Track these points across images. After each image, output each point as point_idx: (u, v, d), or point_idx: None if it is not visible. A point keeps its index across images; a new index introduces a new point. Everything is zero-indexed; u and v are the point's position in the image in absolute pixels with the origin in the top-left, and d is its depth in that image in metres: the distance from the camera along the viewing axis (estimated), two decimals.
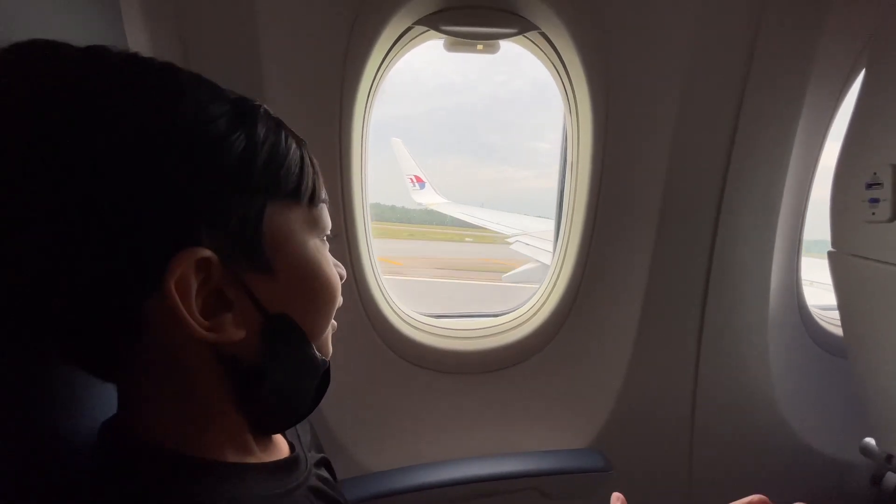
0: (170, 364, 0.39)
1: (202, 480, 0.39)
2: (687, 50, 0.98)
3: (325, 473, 0.56)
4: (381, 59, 1.00)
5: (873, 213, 0.83)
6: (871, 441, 1.05)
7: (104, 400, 0.44)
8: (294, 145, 0.43)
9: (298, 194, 0.43)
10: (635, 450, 1.14)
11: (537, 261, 6.14)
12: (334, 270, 0.47)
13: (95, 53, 0.36)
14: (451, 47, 1.04)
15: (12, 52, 0.34)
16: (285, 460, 0.48)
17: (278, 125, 0.43)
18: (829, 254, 0.94)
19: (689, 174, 1.05)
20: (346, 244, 1.02)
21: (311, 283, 0.44)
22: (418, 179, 9.97)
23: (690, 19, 0.96)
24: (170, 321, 0.36)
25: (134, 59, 0.37)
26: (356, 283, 1.05)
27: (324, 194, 0.47)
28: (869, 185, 0.83)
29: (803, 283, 1.24)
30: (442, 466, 1.05)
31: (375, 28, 0.92)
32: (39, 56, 0.34)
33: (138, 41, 0.72)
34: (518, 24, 1.00)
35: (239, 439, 0.44)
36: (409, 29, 0.99)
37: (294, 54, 0.89)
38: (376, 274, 1.13)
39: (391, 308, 1.14)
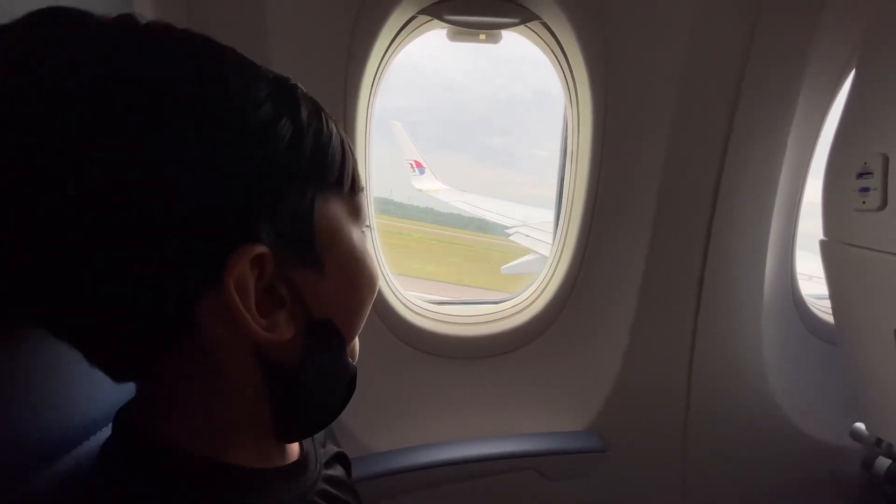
0: (211, 367, 0.37)
1: (215, 486, 0.38)
2: (686, 41, 0.99)
3: (337, 472, 0.53)
4: (384, 49, 1.02)
5: (864, 202, 0.85)
6: (861, 426, 1.08)
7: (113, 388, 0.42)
8: (335, 129, 0.40)
9: (342, 182, 0.40)
10: (631, 432, 1.16)
11: (537, 252, 6.13)
12: (376, 264, 0.44)
13: (129, 26, 0.32)
14: (453, 37, 1.06)
15: (31, 22, 0.30)
16: (295, 464, 0.45)
17: (317, 107, 0.39)
18: (821, 242, 0.96)
19: (686, 164, 1.07)
20: None
21: (358, 279, 0.42)
22: (418, 164, 9.86)
23: (689, 11, 0.97)
24: (221, 322, 0.34)
25: (172, 32, 0.34)
26: None
27: (362, 181, 0.44)
28: (859, 175, 0.85)
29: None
30: (442, 447, 1.08)
31: (379, 18, 0.93)
32: (65, 28, 0.30)
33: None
34: (520, 13, 1.01)
35: (261, 444, 0.42)
36: (412, 18, 1.01)
37: (299, 44, 0.90)
38: (379, 260, 1.15)
39: (394, 294, 1.17)
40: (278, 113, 0.35)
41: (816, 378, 1.25)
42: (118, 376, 0.38)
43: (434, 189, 9.57)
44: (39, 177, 0.29)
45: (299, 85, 0.39)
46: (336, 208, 0.40)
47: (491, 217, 7.75)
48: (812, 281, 1.38)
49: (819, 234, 0.97)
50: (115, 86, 0.30)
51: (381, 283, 1.12)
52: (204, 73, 0.33)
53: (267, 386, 0.39)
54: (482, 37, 1.06)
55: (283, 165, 0.35)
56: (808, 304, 1.27)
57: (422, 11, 0.99)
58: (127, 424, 0.39)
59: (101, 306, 0.32)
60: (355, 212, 0.42)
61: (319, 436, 0.55)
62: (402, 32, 1.03)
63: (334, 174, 0.39)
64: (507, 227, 6.97)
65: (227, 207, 0.33)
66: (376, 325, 1.12)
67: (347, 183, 0.41)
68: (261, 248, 0.34)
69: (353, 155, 0.42)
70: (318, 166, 0.38)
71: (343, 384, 0.43)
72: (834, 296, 0.99)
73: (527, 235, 6.45)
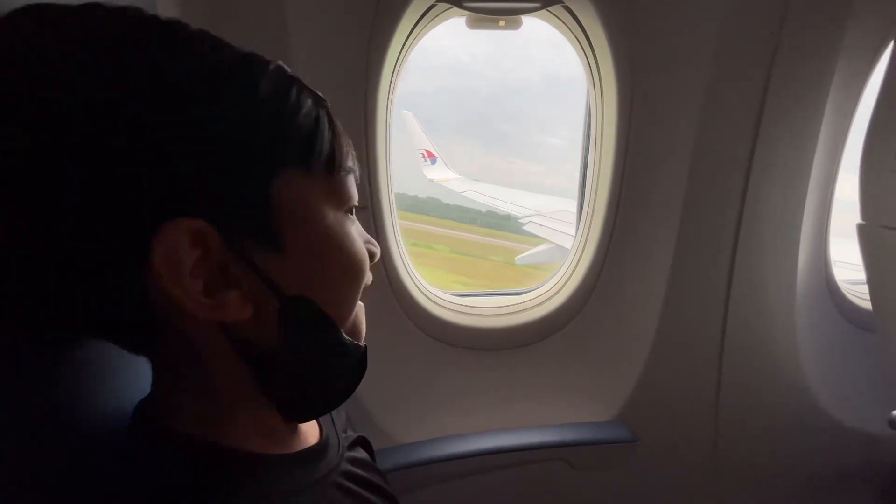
0: (184, 346, 0.37)
1: (222, 471, 0.38)
2: (715, 23, 0.96)
3: (360, 454, 0.54)
4: (404, 38, 1.00)
5: None
6: None
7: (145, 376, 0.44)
8: (309, 104, 0.38)
9: (310, 159, 0.38)
10: (661, 422, 1.15)
11: (551, 242, 6.07)
12: (360, 246, 0.42)
13: (84, 10, 0.33)
14: (473, 24, 1.03)
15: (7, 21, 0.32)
16: (314, 448, 0.46)
17: (291, 81, 0.38)
18: (859, 226, 0.93)
19: (716, 150, 1.04)
20: (371, 219, 1.04)
21: (331, 259, 0.40)
22: (430, 154, 9.80)
23: None
24: (174, 300, 0.33)
25: (130, 12, 0.34)
26: (382, 258, 1.07)
27: (349, 162, 0.42)
28: None
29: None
30: (470, 438, 1.08)
31: (399, 6, 0.92)
32: (26, 21, 0.32)
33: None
34: None
35: (265, 428, 0.42)
36: (432, 6, 0.99)
37: (320, 35, 0.90)
38: (401, 250, 1.14)
39: (416, 286, 1.16)
40: (230, 84, 0.34)
41: (852, 365, 1.22)
42: (128, 348, 0.39)
43: (445, 178, 9.52)
44: None
45: (280, 63, 0.38)
46: (303, 187, 0.38)
47: (503, 206, 7.69)
48: (836, 266, 1.34)
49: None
50: (59, 57, 0.31)
51: (403, 275, 1.11)
52: (147, 46, 0.32)
53: (248, 367, 0.39)
54: (502, 23, 1.04)
55: (227, 137, 0.34)
56: (843, 290, 1.24)
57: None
58: (139, 412, 0.41)
59: (48, 274, 0.32)
60: (333, 192, 0.40)
61: (340, 422, 0.55)
62: (422, 21, 1.01)
63: (300, 150, 0.37)
64: (521, 217, 6.91)
65: (153, 178, 0.31)
66: (400, 318, 1.12)
67: (320, 162, 0.39)
68: (197, 223, 0.32)
69: (335, 134, 0.40)
70: (277, 140, 0.36)
71: (342, 363, 0.43)
72: (872, 281, 0.96)
73: (540, 225, 6.38)
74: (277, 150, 0.36)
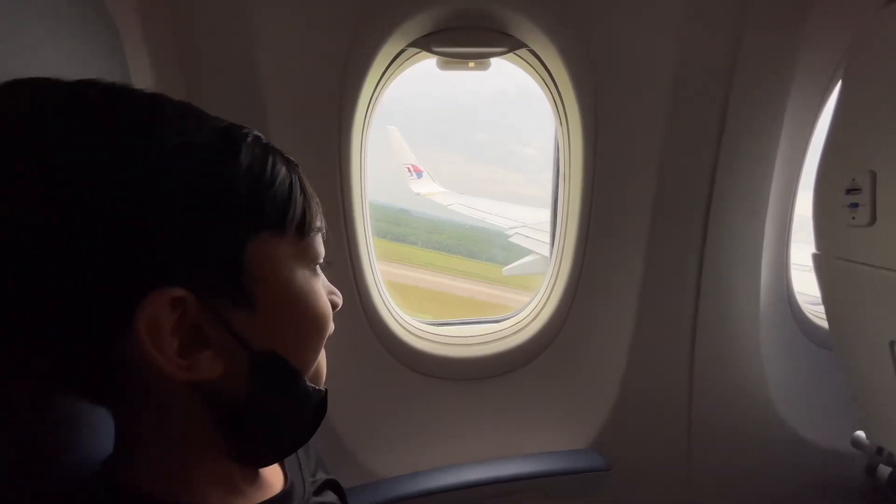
0: (151, 401, 0.38)
1: None
2: (672, 60, 1.01)
3: (328, 498, 0.55)
4: (376, 82, 1.03)
5: (853, 218, 0.86)
6: (861, 434, 1.09)
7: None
8: (283, 172, 0.41)
9: (283, 224, 0.40)
10: (635, 448, 1.18)
11: (537, 253, 6.11)
12: (324, 301, 0.45)
13: (77, 87, 0.35)
14: (443, 66, 1.07)
15: None
16: (276, 497, 0.47)
17: (266, 152, 0.40)
18: (814, 256, 0.97)
19: (678, 178, 1.08)
20: (347, 254, 1.06)
21: (298, 316, 0.42)
22: (416, 169, 9.83)
23: (674, 32, 0.98)
24: (146, 359, 0.35)
25: (118, 90, 0.36)
26: (358, 293, 1.08)
27: (318, 222, 0.44)
28: (848, 191, 0.86)
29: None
30: (447, 471, 1.09)
31: (370, 52, 0.95)
32: (20, 93, 0.34)
33: (142, 78, 0.76)
34: (507, 42, 1.02)
35: (225, 479, 0.43)
36: (402, 51, 1.02)
37: (293, 80, 0.92)
38: (378, 284, 1.16)
39: (393, 317, 1.18)
40: (212, 159, 0.37)
41: (817, 384, 1.26)
42: (95, 402, 0.40)
43: (432, 192, 9.52)
44: None
45: (254, 132, 0.41)
46: (275, 249, 0.40)
47: (490, 219, 7.71)
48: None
49: None
50: (47, 139, 0.32)
51: (380, 307, 1.13)
52: (134, 125, 0.34)
53: (214, 418, 0.40)
54: (471, 64, 1.07)
55: (209, 210, 0.36)
56: (805, 311, 1.28)
57: (411, 44, 1.00)
58: (102, 468, 0.42)
59: (30, 334, 0.35)
60: (303, 252, 0.43)
61: (309, 466, 0.56)
62: (393, 65, 1.04)
63: (275, 217, 0.40)
64: (507, 229, 6.94)
65: (139, 252, 0.34)
66: (377, 350, 1.13)
67: (292, 226, 0.41)
68: (178, 292, 0.34)
69: (305, 198, 0.43)
70: (254, 209, 0.38)
71: (304, 409, 0.44)
72: (829, 307, 1.00)
73: (527, 237, 6.42)
74: (254, 218, 0.39)
